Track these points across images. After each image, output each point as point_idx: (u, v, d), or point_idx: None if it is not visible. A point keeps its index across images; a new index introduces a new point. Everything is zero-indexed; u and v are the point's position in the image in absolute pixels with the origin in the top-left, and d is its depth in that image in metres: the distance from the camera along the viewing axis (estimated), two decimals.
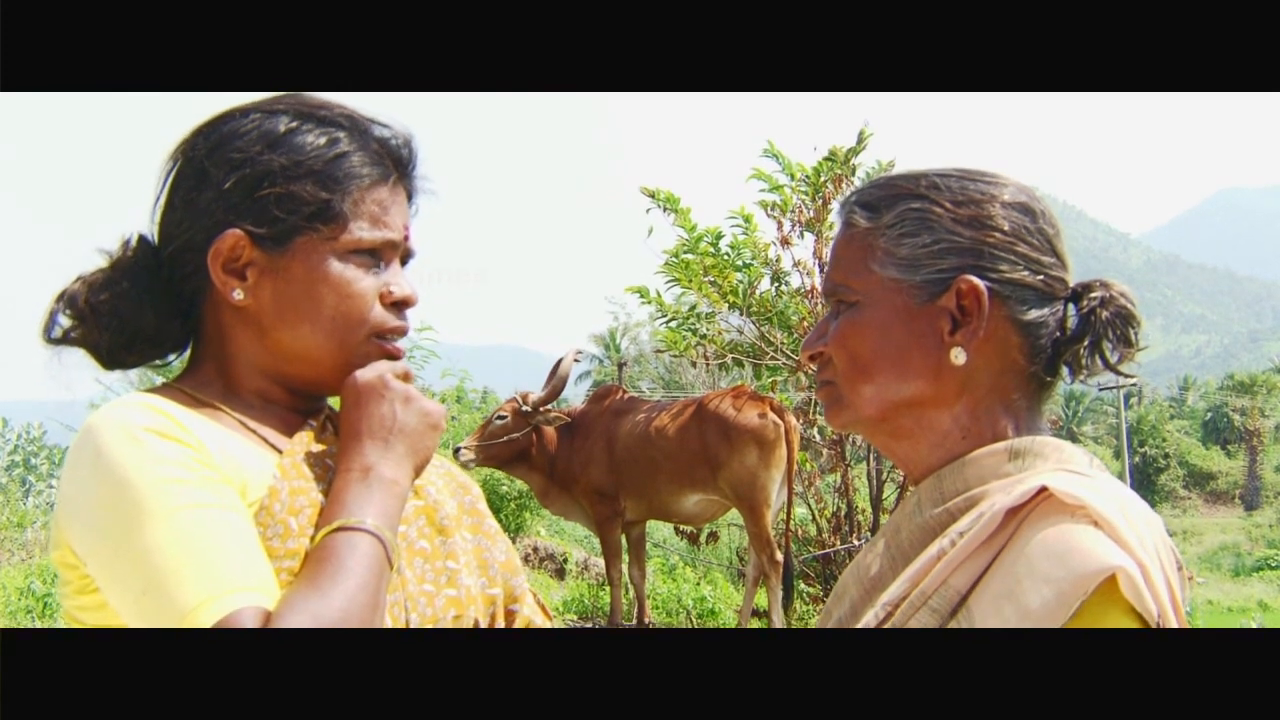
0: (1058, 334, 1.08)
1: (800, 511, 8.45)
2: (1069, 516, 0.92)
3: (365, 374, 1.16)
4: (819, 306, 7.40)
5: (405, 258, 1.24)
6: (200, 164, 1.15)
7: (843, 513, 8.04)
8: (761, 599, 7.24)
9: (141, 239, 1.20)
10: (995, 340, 1.05)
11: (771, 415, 6.72)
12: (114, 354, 1.18)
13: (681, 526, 8.40)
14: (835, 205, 7.68)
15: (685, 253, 7.88)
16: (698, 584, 9.23)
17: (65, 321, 1.16)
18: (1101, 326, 1.06)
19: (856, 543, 7.76)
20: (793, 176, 7.77)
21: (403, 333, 1.21)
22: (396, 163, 1.21)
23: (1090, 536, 0.90)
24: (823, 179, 7.60)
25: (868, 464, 8.05)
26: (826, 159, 7.60)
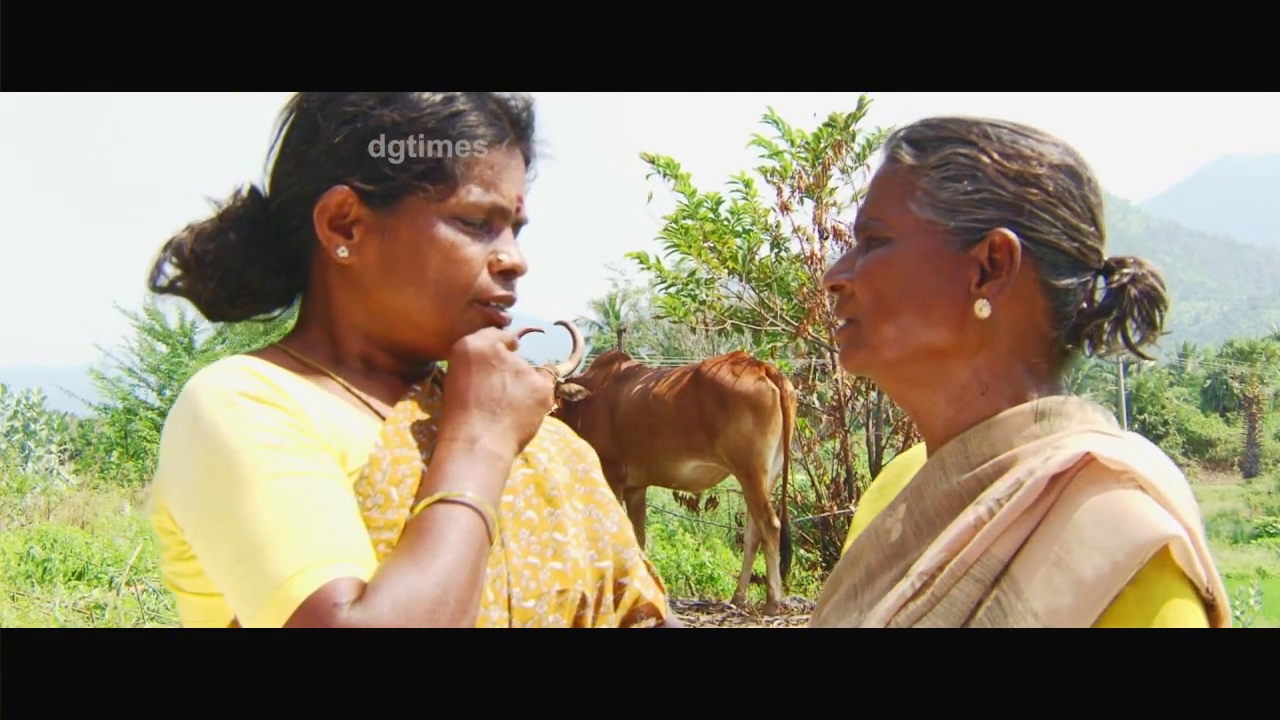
0: (1084, 305, 1.07)
1: (800, 478, 8.47)
2: (1115, 481, 0.92)
3: (477, 341, 1.13)
4: (818, 272, 7.37)
5: (517, 225, 1.19)
6: (313, 116, 1.12)
7: (842, 479, 8.05)
8: (760, 565, 7.27)
9: (252, 190, 1.17)
10: (1022, 299, 1.04)
11: (768, 381, 6.71)
12: (217, 305, 1.16)
13: (681, 492, 8.43)
14: (835, 171, 7.61)
15: (685, 218, 7.86)
16: (697, 550, 9.27)
17: (171, 270, 1.14)
18: (1129, 304, 1.05)
19: (854, 509, 7.76)
20: (793, 142, 7.73)
21: (509, 302, 1.17)
22: (514, 124, 1.17)
23: (1141, 503, 0.90)
24: (823, 145, 7.56)
25: (867, 430, 8.05)
26: (826, 125, 7.56)
